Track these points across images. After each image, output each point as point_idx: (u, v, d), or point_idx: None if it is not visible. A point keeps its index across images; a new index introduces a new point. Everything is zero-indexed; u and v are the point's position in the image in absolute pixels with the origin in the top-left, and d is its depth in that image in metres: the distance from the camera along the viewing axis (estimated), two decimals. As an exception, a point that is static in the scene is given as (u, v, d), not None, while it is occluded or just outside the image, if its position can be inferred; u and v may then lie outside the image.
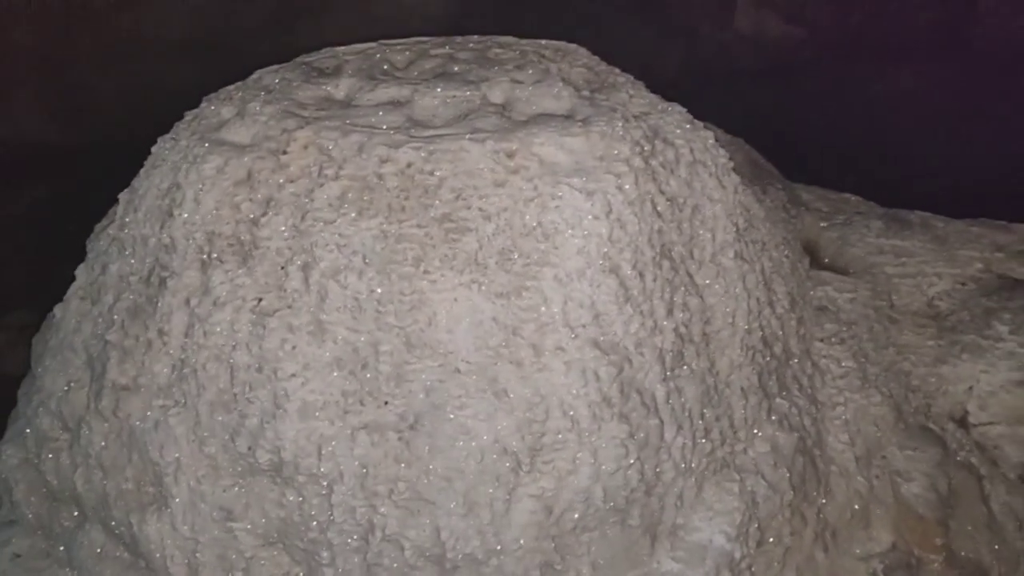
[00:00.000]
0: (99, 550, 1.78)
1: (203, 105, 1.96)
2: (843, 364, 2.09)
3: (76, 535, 1.82)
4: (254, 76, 2.02)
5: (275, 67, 2.04)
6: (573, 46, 2.12)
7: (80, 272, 2.01)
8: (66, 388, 1.85)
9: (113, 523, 1.74)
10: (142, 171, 1.93)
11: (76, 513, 1.84)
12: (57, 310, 2.00)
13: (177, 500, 1.65)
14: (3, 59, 7.45)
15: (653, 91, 1.95)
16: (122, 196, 1.99)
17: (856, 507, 1.94)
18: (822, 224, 2.49)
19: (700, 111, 1.96)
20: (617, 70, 2.06)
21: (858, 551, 1.92)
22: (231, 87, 2.01)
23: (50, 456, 1.85)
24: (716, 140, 1.92)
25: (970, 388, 2.12)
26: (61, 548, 1.87)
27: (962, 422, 2.14)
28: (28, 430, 1.96)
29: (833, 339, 2.13)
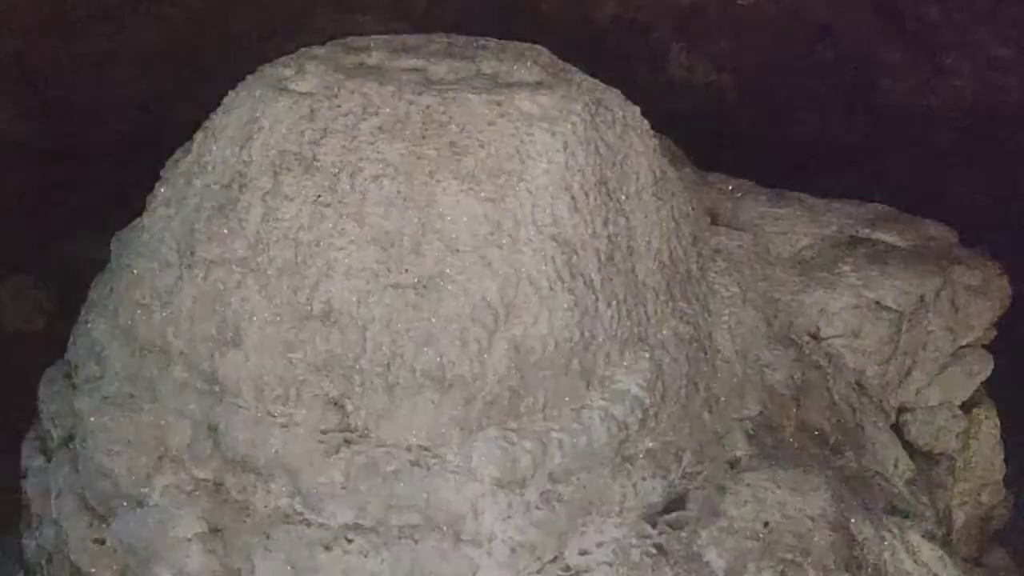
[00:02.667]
0: (182, 384, 2.40)
1: (264, 69, 2.63)
2: (730, 288, 2.82)
3: (161, 376, 2.44)
4: (301, 50, 2.70)
5: (317, 46, 2.72)
6: (538, 46, 2.84)
7: (161, 190, 2.66)
8: (158, 267, 2.48)
9: (196, 361, 2.37)
10: (217, 114, 2.59)
11: (161, 359, 2.45)
12: (144, 218, 2.63)
13: (251, 338, 2.29)
14: (-15, 65, 7.95)
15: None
16: (198, 135, 2.64)
17: (734, 384, 2.65)
18: (722, 197, 3.24)
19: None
20: (571, 66, 2.79)
21: (734, 415, 2.63)
22: (284, 58, 2.68)
23: (144, 318, 2.47)
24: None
25: (821, 310, 2.86)
26: (144, 390, 2.48)
27: (815, 336, 2.88)
28: (118, 306, 2.58)
29: (723, 271, 2.86)
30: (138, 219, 2.83)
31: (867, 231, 3.02)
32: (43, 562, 2.69)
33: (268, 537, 2.27)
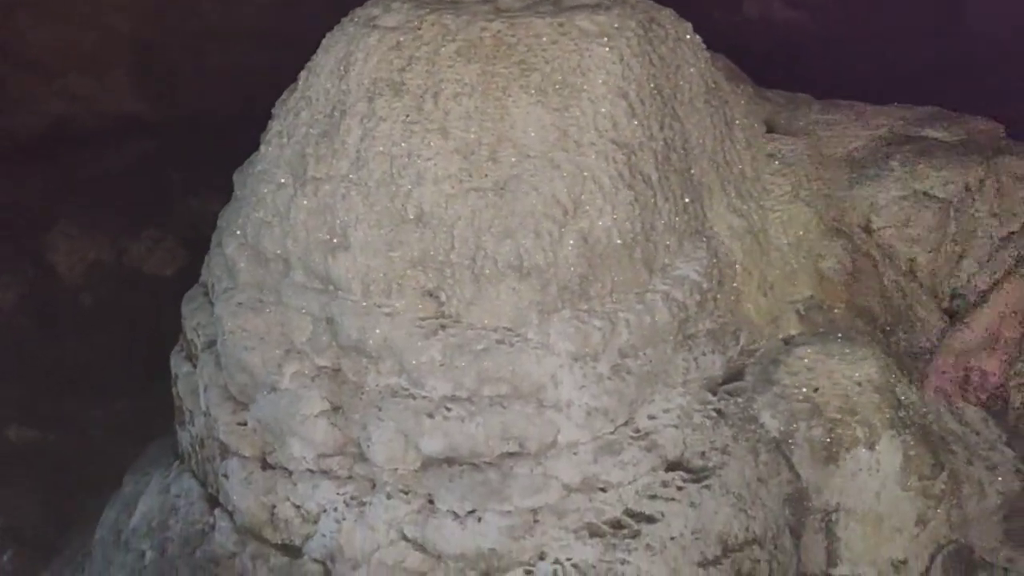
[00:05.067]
0: (301, 286, 2.80)
1: (355, 11, 2.99)
2: (783, 187, 3.07)
3: (283, 280, 2.85)
4: (387, -6, 3.05)
5: (401, -10, 3.06)
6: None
7: (274, 124, 3.06)
8: (276, 188, 2.89)
9: (312, 265, 2.77)
10: (317, 54, 2.96)
11: (283, 267, 2.86)
12: (262, 148, 3.04)
13: (356, 242, 2.67)
14: (104, 43, 8.58)
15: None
16: (302, 74, 3.03)
17: (787, 272, 2.92)
18: (778, 108, 3.47)
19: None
20: (629, -8, 3.06)
21: (788, 299, 2.90)
22: (371, 0, 3.03)
23: (267, 233, 2.88)
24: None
25: (871, 203, 3.09)
26: (270, 294, 2.90)
27: (866, 228, 3.11)
28: (245, 226, 3.00)
29: (777, 172, 3.11)
30: (254, 154, 3.25)
31: (916, 130, 3.22)
32: (196, 447, 3.15)
33: (380, 409, 2.67)
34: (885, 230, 3.08)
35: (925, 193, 3.04)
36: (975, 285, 3.20)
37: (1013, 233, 3.22)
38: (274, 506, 2.86)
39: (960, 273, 3.20)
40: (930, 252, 3.08)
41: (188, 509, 3.18)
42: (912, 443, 2.62)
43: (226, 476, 2.98)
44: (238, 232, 3.06)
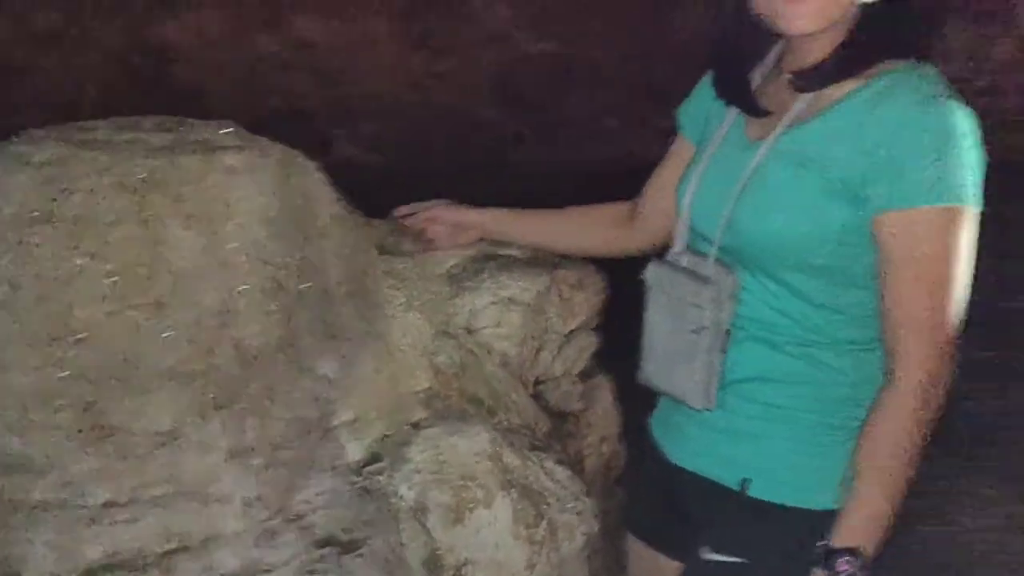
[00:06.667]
0: None
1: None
2: (399, 299, 3.63)
3: None
4: (28, 131, 3.21)
5: (41, 129, 3.25)
6: (230, 121, 3.54)
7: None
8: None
9: None
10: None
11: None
12: None
13: (11, 361, 2.77)
14: None
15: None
16: None
17: (408, 367, 3.47)
18: (384, 234, 4.05)
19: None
20: (259, 136, 3.53)
21: (412, 390, 3.44)
22: (15, 139, 3.17)
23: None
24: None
25: (470, 309, 3.76)
26: None
27: (469, 330, 3.78)
28: None
29: (393, 287, 3.67)
30: None
31: (496, 249, 3.98)
32: None
33: (38, 523, 2.75)
34: (483, 330, 3.76)
35: (510, 299, 3.77)
36: (552, 372, 3.99)
37: (574, 330, 4.08)
38: (-93, 646, 2.75)
39: (540, 363, 3.98)
40: (517, 347, 3.81)
41: None
42: (518, 499, 3.24)
43: None
44: None
